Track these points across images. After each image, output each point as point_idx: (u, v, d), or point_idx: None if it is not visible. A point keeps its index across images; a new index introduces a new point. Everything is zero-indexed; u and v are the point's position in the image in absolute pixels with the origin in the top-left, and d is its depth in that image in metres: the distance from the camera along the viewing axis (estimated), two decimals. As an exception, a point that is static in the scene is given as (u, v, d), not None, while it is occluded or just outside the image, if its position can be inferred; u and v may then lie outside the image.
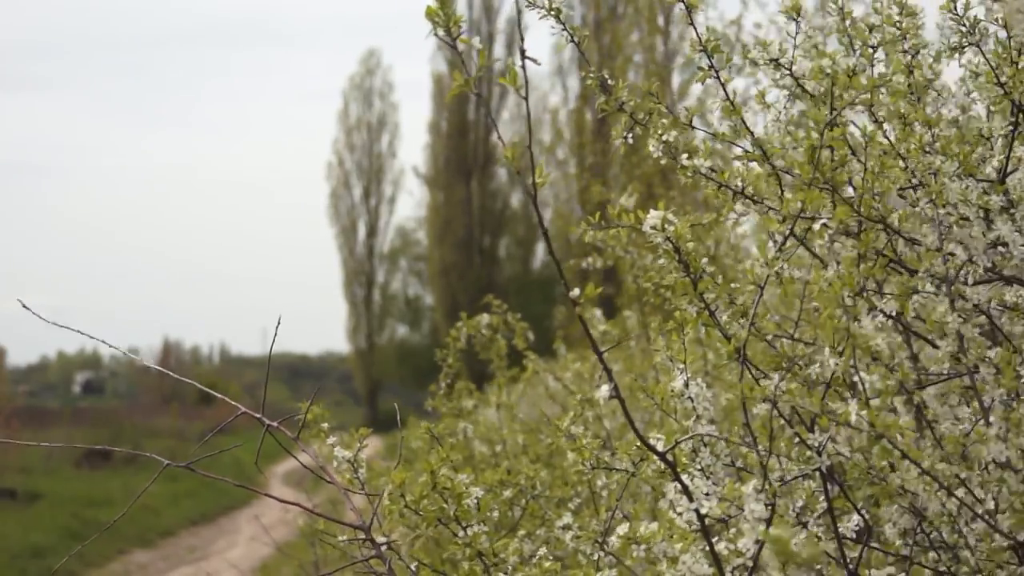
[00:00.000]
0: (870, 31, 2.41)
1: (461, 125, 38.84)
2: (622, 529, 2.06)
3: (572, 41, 2.38)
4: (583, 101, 25.37)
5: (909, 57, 2.39)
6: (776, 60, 2.50)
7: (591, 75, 2.53)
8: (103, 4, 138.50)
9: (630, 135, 2.56)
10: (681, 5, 2.43)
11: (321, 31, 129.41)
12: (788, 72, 2.45)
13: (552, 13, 2.29)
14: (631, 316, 6.94)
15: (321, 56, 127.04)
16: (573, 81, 26.35)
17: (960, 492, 2.11)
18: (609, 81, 2.55)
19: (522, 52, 2.03)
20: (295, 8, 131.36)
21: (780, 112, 2.49)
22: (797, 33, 2.52)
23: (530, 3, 2.15)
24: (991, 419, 2.12)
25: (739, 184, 2.46)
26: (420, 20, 1.99)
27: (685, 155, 2.51)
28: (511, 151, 1.91)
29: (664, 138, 2.52)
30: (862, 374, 1.95)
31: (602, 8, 25.30)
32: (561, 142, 25.38)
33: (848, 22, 2.50)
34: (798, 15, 2.53)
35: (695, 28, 2.53)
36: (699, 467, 2.29)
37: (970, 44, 2.38)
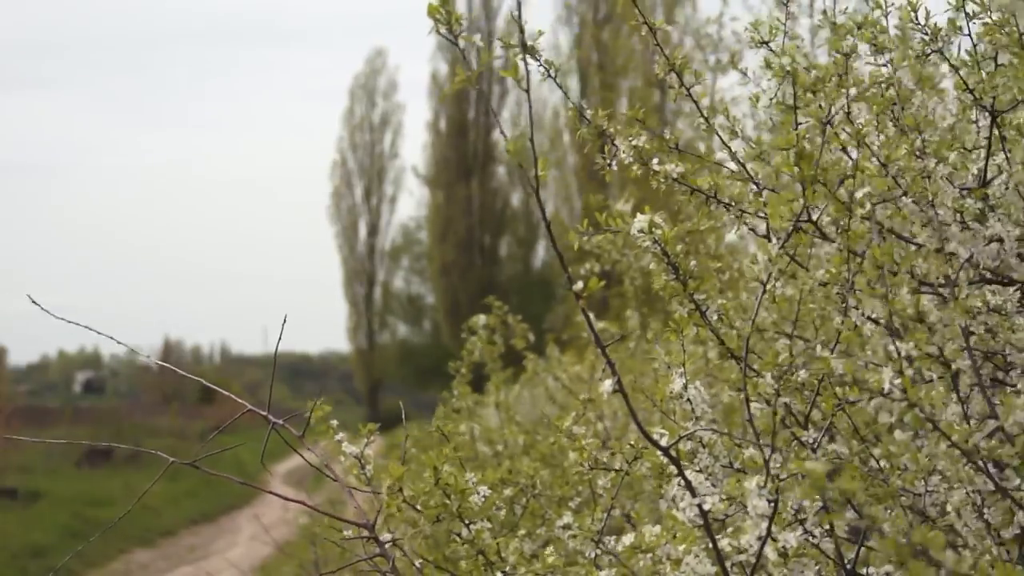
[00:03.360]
0: (849, 32, 2.42)
1: (460, 124, 38.86)
2: (628, 538, 2.07)
3: (550, 77, 2.40)
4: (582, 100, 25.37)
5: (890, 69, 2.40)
6: (767, 43, 2.51)
7: (571, 107, 2.56)
8: (104, 3, 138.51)
9: (614, 162, 2.58)
10: (664, 10, 2.46)
11: (324, 30, 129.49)
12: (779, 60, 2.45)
13: (528, 53, 2.32)
14: (632, 316, 6.95)
15: (324, 55, 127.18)
16: (573, 82, 26.35)
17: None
18: (588, 112, 2.57)
19: (523, 45, 2.05)
20: (298, 7, 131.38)
21: (771, 100, 2.48)
22: (786, 20, 2.54)
23: (507, 45, 2.16)
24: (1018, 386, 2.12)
25: (729, 201, 2.49)
26: (425, 19, 2.01)
27: (656, 160, 2.53)
28: (513, 144, 1.93)
29: (635, 144, 2.54)
30: (898, 343, 1.94)
31: (601, 8, 25.27)
32: (559, 143, 25.35)
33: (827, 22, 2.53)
34: (787, 2, 2.55)
35: (662, 51, 2.55)
36: (698, 468, 2.30)
37: (934, 51, 2.39)
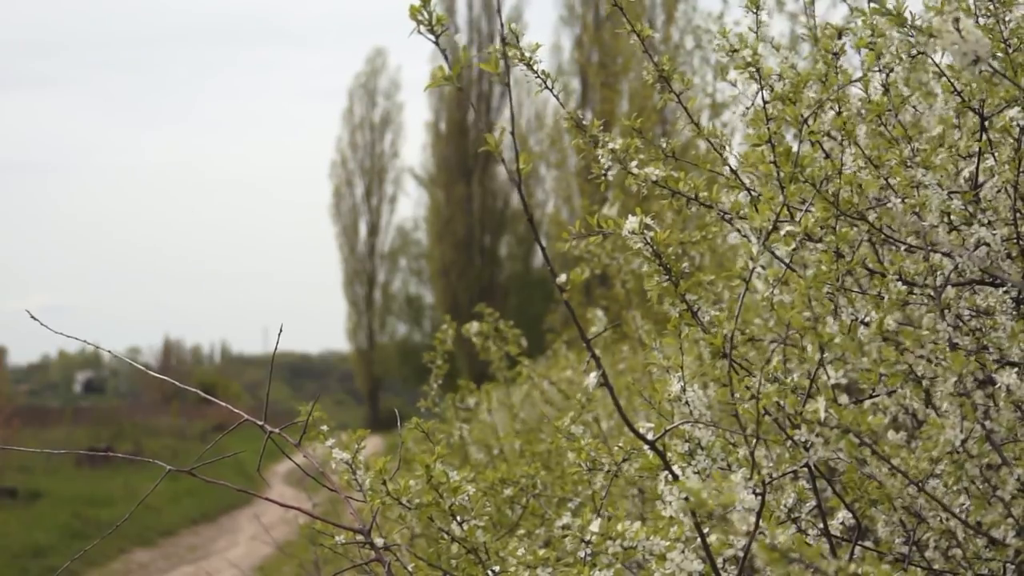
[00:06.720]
0: (839, 35, 2.43)
1: (461, 124, 38.84)
2: (595, 525, 2.08)
3: (546, 87, 2.42)
4: (583, 101, 25.37)
5: (885, 75, 2.41)
6: (737, 50, 2.52)
7: (567, 116, 2.58)
8: (104, 3, 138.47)
9: (609, 172, 2.60)
10: (663, 15, 2.48)
11: (324, 29, 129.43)
12: (755, 69, 2.47)
13: (525, 62, 2.33)
14: (634, 317, 6.97)
15: (324, 54, 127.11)
16: (574, 82, 26.32)
17: (942, 493, 2.13)
18: (584, 122, 2.59)
19: (502, 38, 2.06)
20: (298, 7, 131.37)
21: (747, 109, 2.50)
22: (758, 27, 2.55)
23: (502, 52, 2.18)
24: (944, 406, 2.13)
25: (711, 203, 2.50)
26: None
27: (634, 163, 2.54)
28: (492, 138, 1.94)
29: (611, 147, 2.55)
30: (829, 369, 1.97)
31: (601, 8, 25.24)
32: (561, 143, 25.33)
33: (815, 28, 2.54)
34: (758, 9, 2.56)
35: (651, 57, 2.57)
36: (696, 470, 2.31)
37: (920, 53, 2.40)
